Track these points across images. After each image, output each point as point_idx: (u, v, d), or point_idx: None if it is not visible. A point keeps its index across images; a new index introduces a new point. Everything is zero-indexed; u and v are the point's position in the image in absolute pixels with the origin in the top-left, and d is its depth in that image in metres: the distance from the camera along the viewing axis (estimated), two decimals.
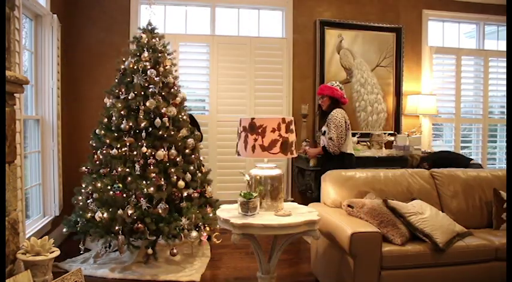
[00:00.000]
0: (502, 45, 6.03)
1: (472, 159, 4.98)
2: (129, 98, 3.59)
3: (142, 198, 3.41)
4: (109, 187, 3.47)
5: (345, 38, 5.36)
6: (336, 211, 3.10)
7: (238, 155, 2.69)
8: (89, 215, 3.42)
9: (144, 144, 3.52)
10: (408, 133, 5.31)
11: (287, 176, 5.25)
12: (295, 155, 2.69)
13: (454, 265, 2.80)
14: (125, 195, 3.46)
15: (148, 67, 3.63)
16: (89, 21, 4.83)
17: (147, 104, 3.54)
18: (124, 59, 3.76)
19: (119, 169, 3.48)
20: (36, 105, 4.02)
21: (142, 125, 3.53)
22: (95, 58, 4.80)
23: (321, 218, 2.62)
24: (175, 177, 3.55)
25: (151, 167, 3.49)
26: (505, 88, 5.91)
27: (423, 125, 5.58)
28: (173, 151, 3.55)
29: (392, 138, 5.31)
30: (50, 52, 4.09)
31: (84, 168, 3.67)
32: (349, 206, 3.02)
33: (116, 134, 3.58)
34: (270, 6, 5.33)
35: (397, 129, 5.52)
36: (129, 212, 3.36)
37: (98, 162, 3.60)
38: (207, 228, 3.66)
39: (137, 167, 3.49)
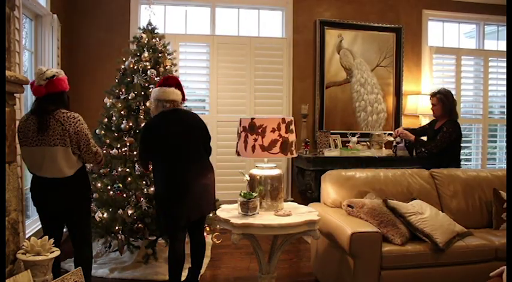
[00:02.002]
0: (502, 45, 6.02)
1: None
2: (129, 98, 3.59)
3: (142, 198, 3.41)
4: (109, 187, 3.48)
5: (345, 38, 5.36)
6: (336, 211, 3.10)
7: (238, 155, 2.69)
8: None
9: None
10: None
11: (287, 176, 5.25)
12: (295, 155, 2.69)
13: (454, 265, 2.81)
14: (125, 195, 3.46)
15: (149, 67, 3.64)
16: (89, 21, 4.83)
17: (147, 104, 3.54)
18: (124, 59, 3.76)
19: (119, 169, 3.48)
20: None
21: (143, 125, 3.53)
22: (95, 58, 4.80)
23: (321, 218, 2.63)
24: None
25: (151, 167, 3.50)
26: (505, 88, 5.91)
27: (423, 125, 5.58)
28: None
29: (392, 138, 5.31)
30: (50, 52, 4.09)
31: None
32: (349, 206, 3.02)
33: (116, 134, 3.59)
34: (270, 6, 5.33)
35: (397, 129, 5.51)
36: (129, 212, 3.37)
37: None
38: (207, 228, 3.66)
39: (137, 167, 3.49)
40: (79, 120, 2.58)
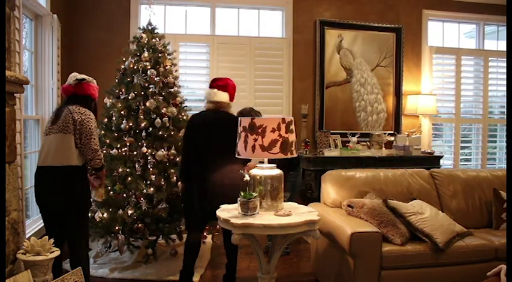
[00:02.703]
0: (502, 45, 6.02)
1: None
2: (129, 98, 3.59)
3: (142, 199, 3.41)
4: (109, 187, 3.48)
5: (345, 38, 5.36)
6: (336, 211, 3.11)
7: (238, 155, 2.69)
8: (89, 215, 3.42)
9: (144, 145, 3.52)
10: (408, 133, 5.30)
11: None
12: (295, 155, 2.69)
13: (454, 265, 2.81)
14: (125, 195, 3.46)
15: (149, 67, 3.64)
16: (89, 21, 4.83)
17: (147, 104, 3.55)
18: (124, 59, 3.76)
19: (120, 170, 3.48)
20: (36, 105, 4.02)
21: (143, 125, 3.53)
22: (95, 58, 4.80)
23: (321, 218, 2.62)
24: (175, 177, 3.56)
25: (151, 168, 3.50)
26: (505, 88, 5.91)
27: (423, 125, 5.58)
28: (173, 151, 3.56)
29: (392, 138, 5.31)
30: (50, 52, 4.09)
31: None
32: (349, 206, 3.02)
33: (116, 134, 3.59)
34: (270, 6, 5.33)
35: (397, 129, 5.52)
36: (129, 212, 3.37)
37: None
38: (207, 228, 3.66)
39: (137, 167, 3.49)
40: (89, 115, 2.69)
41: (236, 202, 2.95)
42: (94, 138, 2.67)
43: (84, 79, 2.79)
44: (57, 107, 2.81)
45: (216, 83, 3.16)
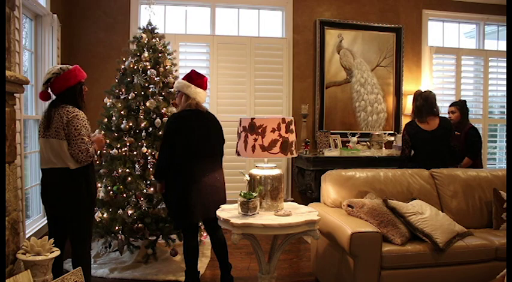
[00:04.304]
0: (502, 45, 6.03)
1: None
2: (129, 98, 3.59)
3: (142, 199, 3.41)
4: (109, 188, 3.48)
5: (345, 38, 5.36)
6: (336, 211, 3.10)
7: (238, 155, 2.69)
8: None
9: (144, 145, 3.52)
10: None
11: (287, 176, 5.25)
12: (295, 155, 2.69)
13: (454, 265, 2.81)
14: (125, 195, 3.46)
15: (149, 67, 3.64)
16: (89, 21, 4.83)
17: (147, 104, 3.55)
18: (124, 59, 3.76)
19: (119, 170, 3.48)
20: (36, 105, 4.02)
21: (143, 125, 3.54)
22: (95, 58, 4.80)
23: (321, 218, 2.62)
24: None
25: (151, 168, 3.49)
26: (505, 88, 5.91)
27: None
28: None
29: (392, 138, 5.31)
30: (50, 52, 4.09)
31: None
32: (349, 206, 3.02)
33: (116, 134, 3.59)
34: (270, 6, 5.34)
35: (397, 129, 5.52)
36: (129, 212, 3.37)
37: (98, 162, 3.60)
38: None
39: (137, 167, 3.49)
40: (76, 115, 2.56)
41: (223, 200, 2.99)
42: (82, 138, 2.53)
43: (50, 78, 2.60)
44: (46, 109, 2.65)
45: (202, 80, 3.08)
